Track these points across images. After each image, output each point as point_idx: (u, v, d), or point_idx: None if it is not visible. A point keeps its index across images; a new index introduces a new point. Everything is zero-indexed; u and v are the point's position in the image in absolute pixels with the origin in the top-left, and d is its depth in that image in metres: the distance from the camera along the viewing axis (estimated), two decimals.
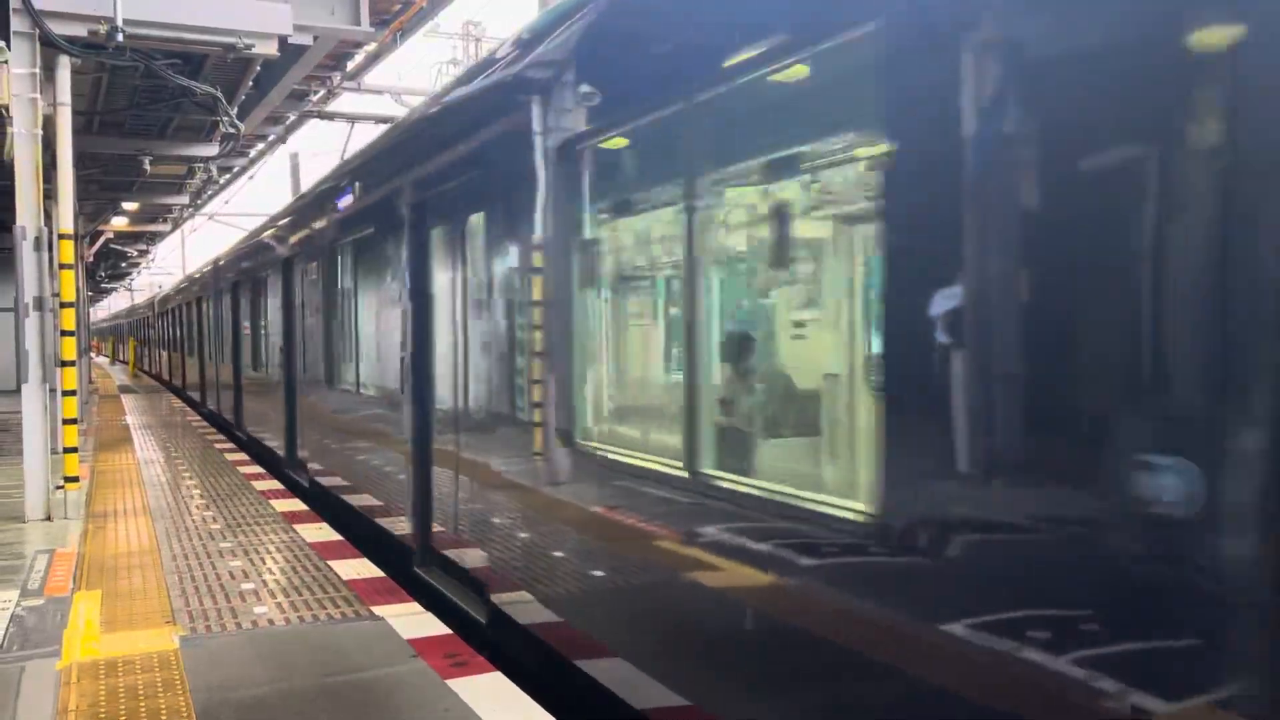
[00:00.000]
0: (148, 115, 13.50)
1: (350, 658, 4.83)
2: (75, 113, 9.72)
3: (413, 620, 5.41)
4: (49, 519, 8.32)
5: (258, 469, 11.55)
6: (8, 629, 5.34)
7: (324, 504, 9.35)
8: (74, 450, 8.73)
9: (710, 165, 3.46)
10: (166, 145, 14.90)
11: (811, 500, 3.01)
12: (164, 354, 33.60)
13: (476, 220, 5.55)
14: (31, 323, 8.22)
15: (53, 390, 8.59)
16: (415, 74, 47.87)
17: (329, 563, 6.76)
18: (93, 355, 38.53)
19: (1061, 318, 2.23)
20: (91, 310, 41.11)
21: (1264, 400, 1.86)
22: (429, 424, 6.43)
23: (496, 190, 5.21)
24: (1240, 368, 1.89)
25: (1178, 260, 2.00)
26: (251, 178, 22.96)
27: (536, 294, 4.74)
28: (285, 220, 11.75)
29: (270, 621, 5.45)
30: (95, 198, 18.38)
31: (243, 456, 12.78)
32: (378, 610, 5.60)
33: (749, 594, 3.22)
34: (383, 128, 12.03)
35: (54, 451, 8.70)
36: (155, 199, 19.51)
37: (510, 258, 5.06)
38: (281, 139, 18.28)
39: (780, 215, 3.28)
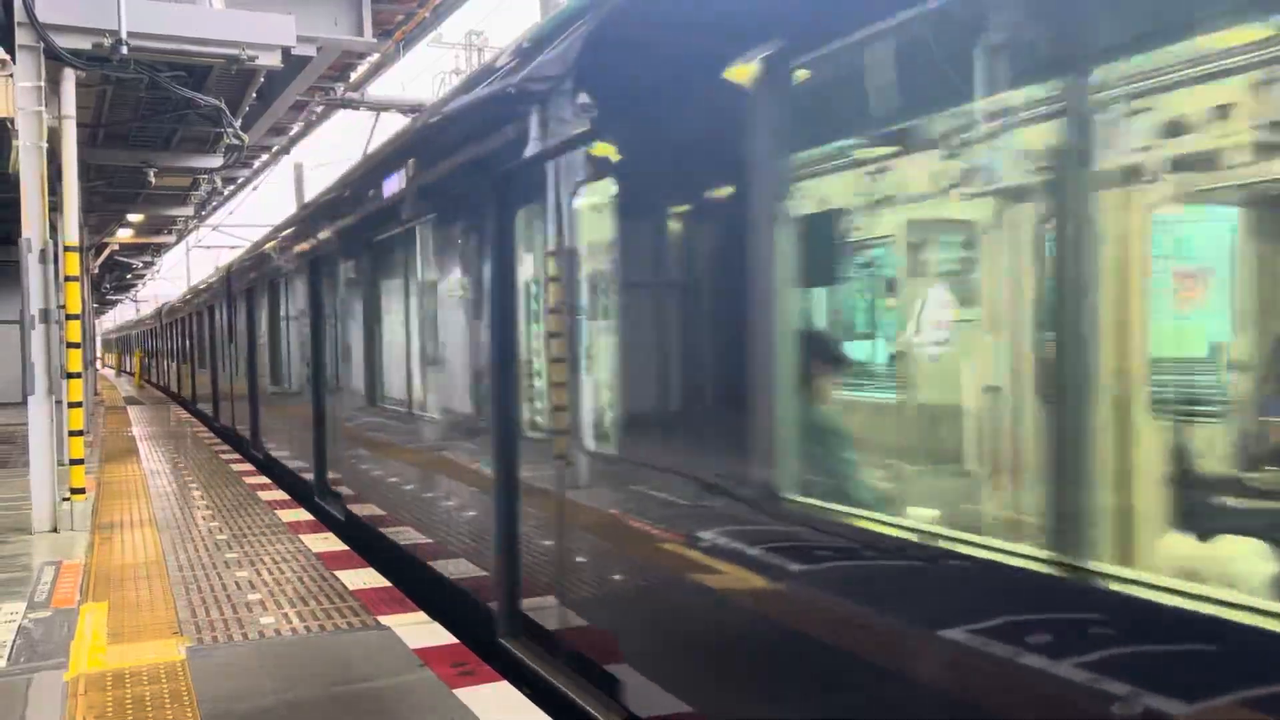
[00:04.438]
0: (152, 127, 13.55)
1: (357, 668, 4.82)
2: (80, 125, 9.76)
3: (420, 629, 5.40)
4: (55, 531, 8.33)
5: (264, 479, 11.55)
6: (15, 641, 5.35)
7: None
8: (80, 462, 8.74)
9: None
10: (171, 157, 14.95)
11: None
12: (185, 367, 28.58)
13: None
14: (37, 335, 8.24)
15: (59, 402, 8.61)
16: (419, 84, 48.03)
17: (335, 573, 6.76)
18: (98, 367, 38.66)
19: None
20: (96, 321, 41.18)
21: None
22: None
23: None
24: None
25: None
26: (255, 189, 23.04)
27: None
28: None
29: (277, 632, 5.45)
30: (100, 210, 18.44)
31: (249, 467, 12.77)
32: (384, 620, 5.60)
33: None
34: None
35: (60, 463, 8.71)
36: (160, 210, 19.56)
37: None
38: (285, 150, 18.36)
39: None
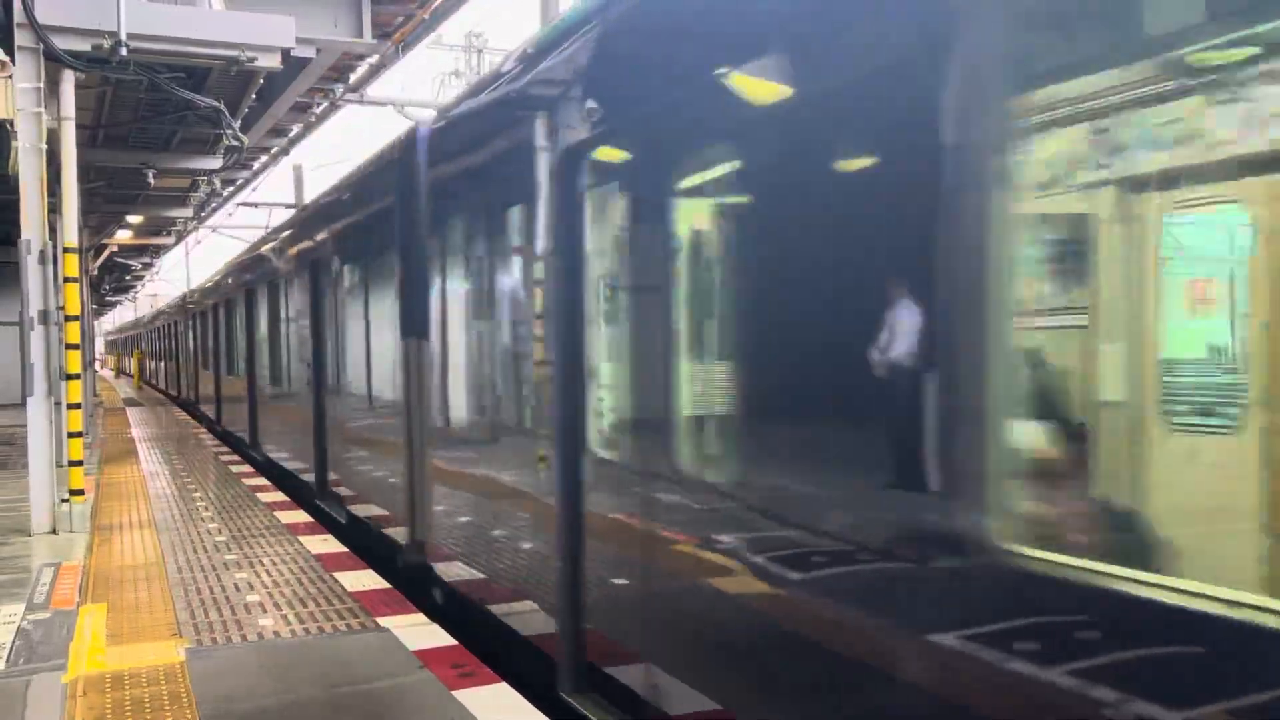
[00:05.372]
0: (151, 128, 13.55)
1: (356, 669, 4.82)
2: (79, 126, 9.76)
3: (419, 631, 5.40)
4: (54, 532, 8.32)
5: (262, 480, 11.54)
6: (14, 643, 5.34)
7: None
8: (79, 463, 8.73)
9: None
10: (170, 158, 14.94)
11: None
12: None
13: None
14: (37, 336, 8.23)
15: (58, 404, 8.60)
16: (418, 85, 48.06)
17: (334, 574, 6.76)
18: (98, 368, 38.58)
19: None
20: (95, 322, 41.16)
21: None
22: None
23: None
24: None
25: None
26: (254, 190, 23.05)
27: None
28: None
29: (276, 633, 5.45)
30: (99, 211, 18.43)
31: (248, 469, 12.76)
32: (383, 621, 5.60)
33: None
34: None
35: (59, 465, 8.71)
36: (159, 212, 19.55)
37: None
38: (285, 151, 18.35)
39: None
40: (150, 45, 8.69)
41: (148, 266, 37.30)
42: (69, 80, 8.75)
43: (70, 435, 8.71)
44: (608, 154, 4.07)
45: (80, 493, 8.70)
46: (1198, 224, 2.20)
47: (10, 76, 8.40)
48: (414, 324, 6.58)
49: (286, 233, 11.83)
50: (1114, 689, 2.15)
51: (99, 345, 61.49)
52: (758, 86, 3.17)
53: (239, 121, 11.59)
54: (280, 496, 10.33)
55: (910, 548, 2.69)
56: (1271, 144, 1.93)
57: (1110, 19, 2.20)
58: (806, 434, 3.09)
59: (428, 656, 4.96)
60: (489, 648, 5.20)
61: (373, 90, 14.63)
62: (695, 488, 3.57)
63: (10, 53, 8.43)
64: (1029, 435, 2.41)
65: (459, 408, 6.07)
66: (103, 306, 52.29)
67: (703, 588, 3.47)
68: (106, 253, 26.47)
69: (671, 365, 3.65)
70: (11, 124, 8.46)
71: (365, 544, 7.84)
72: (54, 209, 9.08)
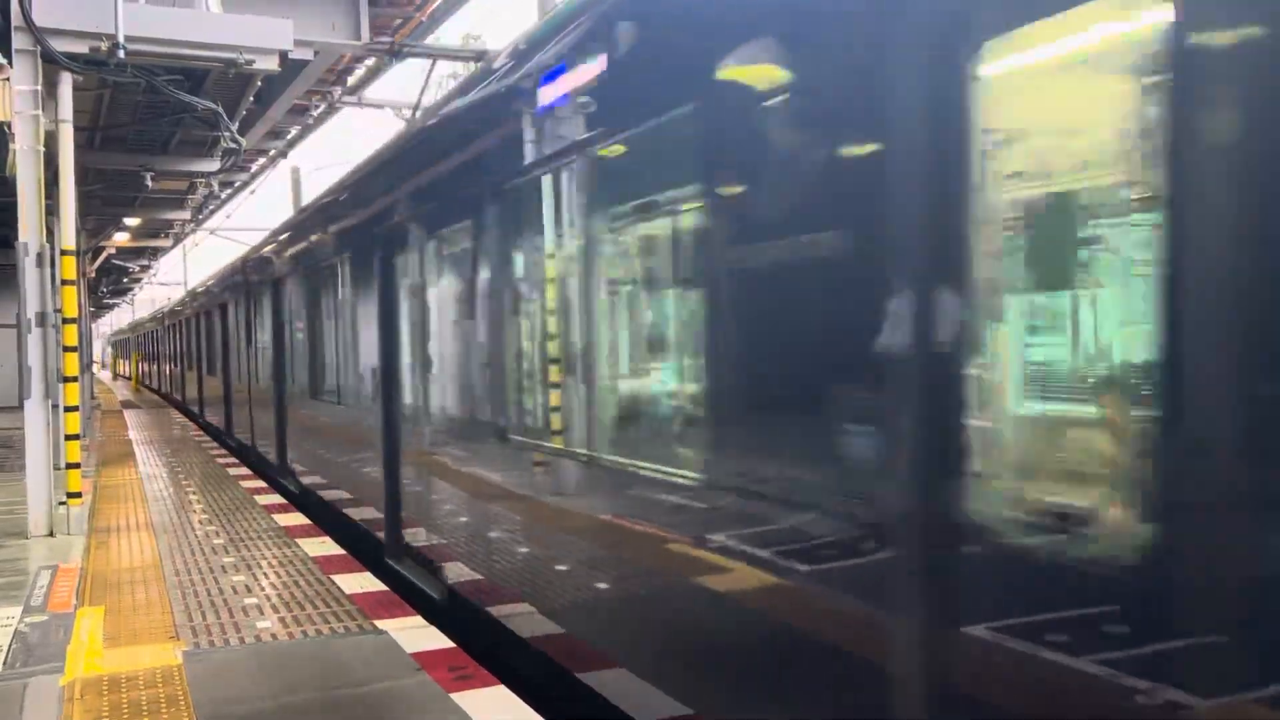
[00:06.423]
0: (149, 131, 13.55)
1: (353, 671, 4.82)
2: (77, 128, 9.75)
3: (416, 634, 5.40)
4: (52, 535, 8.32)
5: (260, 483, 11.54)
6: (11, 645, 5.34)
7: None
8: (76, 466, 8.73)
9: None
10: (168, 160, 14.94)
11: None
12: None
13: None
14: (34, 339, 8.23)
15: (55, 406, 8.60)
16: (417, 87, 47.93)
17: (331, 577, 6.75)
18: (95, 371, 38.46)
19: None
20: (93, 324, 41.08)
21: None
22: None
23: None
24: None
25: None
26: (253, 192, 23.04)
27: None
28: None
29: (273, 636, 5.45)
30: (97, 213, 18.43)
31: (245, 471, 12.76)
32: (381, 624, 5.60)
33: None
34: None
35: (56, 467, 8.70)
36: (157, 214, 19.55)
37: None
38: (282, 153, 18.36)
39: None
40: (148, 48, 8.68)
41: (146, 269, 37.27)
42: (66, 82, 8.74)
43: (67, 438, 8.70)
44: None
45: (78, 495, 8.70)
46: None
47: (8, 79, 8.40)
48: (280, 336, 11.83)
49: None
50: None
51: (98, 347, 61.42)
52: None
53: (237, 124, 11.60)
54: (278, 499, 10.33)
55: None
56: None
57: None
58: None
59: (425, 659, 4.96)
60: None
61: (370, 92, 14.64)
62: (435, 426, 6.34)
63: (8, 55, 8.43)
64: None
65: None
66: (100, 309, 52.23)
67: (458, 494, 5.97)
68: (104, 255, 26.46)
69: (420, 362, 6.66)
70: (9, 126, 8.46)
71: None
72: (51, 211, 9.07)
